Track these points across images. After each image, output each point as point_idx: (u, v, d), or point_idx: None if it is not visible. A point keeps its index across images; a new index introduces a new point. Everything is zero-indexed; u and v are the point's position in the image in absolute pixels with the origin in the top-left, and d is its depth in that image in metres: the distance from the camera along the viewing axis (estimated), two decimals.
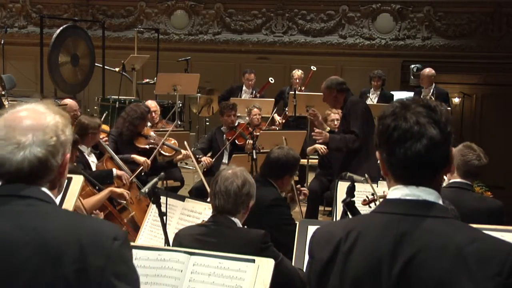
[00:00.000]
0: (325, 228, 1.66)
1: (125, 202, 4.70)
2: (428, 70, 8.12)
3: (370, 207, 3.60)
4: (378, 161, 1.59)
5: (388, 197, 1.56)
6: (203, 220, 3.07)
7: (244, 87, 8.48)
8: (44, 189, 1.49)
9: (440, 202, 1.51)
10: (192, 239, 2.70)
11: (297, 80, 8.15)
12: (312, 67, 8.32)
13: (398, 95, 8.96)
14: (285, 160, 3.81)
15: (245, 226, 2.87)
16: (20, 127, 1.45)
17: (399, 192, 1.53)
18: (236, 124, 6.60)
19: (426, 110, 1.50)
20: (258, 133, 6.33)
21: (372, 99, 8.34)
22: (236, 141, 6.41)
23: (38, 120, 1.47)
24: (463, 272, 1.39)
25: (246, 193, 2.76)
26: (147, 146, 5.72)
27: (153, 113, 6.65)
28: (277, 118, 7.92)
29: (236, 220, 2.75)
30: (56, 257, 1.37)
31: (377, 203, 3.53)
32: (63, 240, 1.39)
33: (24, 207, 1.44)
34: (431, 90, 7.99)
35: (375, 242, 1.49)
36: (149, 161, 5.50)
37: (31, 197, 1.45)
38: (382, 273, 1.46)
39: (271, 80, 8.51)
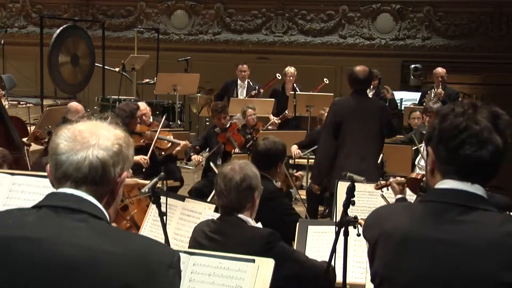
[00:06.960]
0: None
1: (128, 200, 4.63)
2: (440, 70, 8.03)
3: (382, 191, 3.57)
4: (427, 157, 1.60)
5: (437, 186, 1.58)
6: None
7: (238, 81, 8.31)
8: (97, 203, 1.45)
9: (485, 196, 1.55)
10: (203, 235, 2.69)
11: (290, 78, 8.03)
12: (325, 79, 8.27)
13: (398, 95, 8.96)
14: (274, 149, 3.85)
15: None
16: (87, 131, 1.48)
17: (449, 185, 1.55)
18: (228, 126, 6.55)
19: (493, 117, 1.52)
20: (258, 136, 6.29)
21: None
22: (225, 146, 6.37)
23: (103, 130, 1.50)
24: (507, 262, 1.43)
25: (247, 187, 2.66)
26: (142, 144, 5.69)
27: (143, 116, 6.12)
28: (272, 118, 7.88)
29: (244, 217, 2.67)
30: (106, 281, 1.35)
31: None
32: (114, 265, 1.36)
33: (77, 223, 1.39)
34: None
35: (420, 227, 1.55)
36: (146, 157, 5.44)
37: (83, 211, 1.41)
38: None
39: (279, 76, 8.40)
